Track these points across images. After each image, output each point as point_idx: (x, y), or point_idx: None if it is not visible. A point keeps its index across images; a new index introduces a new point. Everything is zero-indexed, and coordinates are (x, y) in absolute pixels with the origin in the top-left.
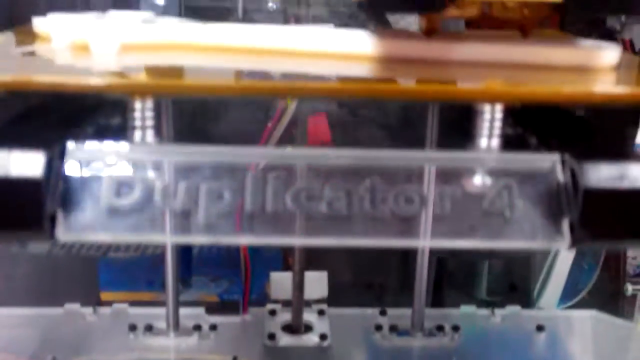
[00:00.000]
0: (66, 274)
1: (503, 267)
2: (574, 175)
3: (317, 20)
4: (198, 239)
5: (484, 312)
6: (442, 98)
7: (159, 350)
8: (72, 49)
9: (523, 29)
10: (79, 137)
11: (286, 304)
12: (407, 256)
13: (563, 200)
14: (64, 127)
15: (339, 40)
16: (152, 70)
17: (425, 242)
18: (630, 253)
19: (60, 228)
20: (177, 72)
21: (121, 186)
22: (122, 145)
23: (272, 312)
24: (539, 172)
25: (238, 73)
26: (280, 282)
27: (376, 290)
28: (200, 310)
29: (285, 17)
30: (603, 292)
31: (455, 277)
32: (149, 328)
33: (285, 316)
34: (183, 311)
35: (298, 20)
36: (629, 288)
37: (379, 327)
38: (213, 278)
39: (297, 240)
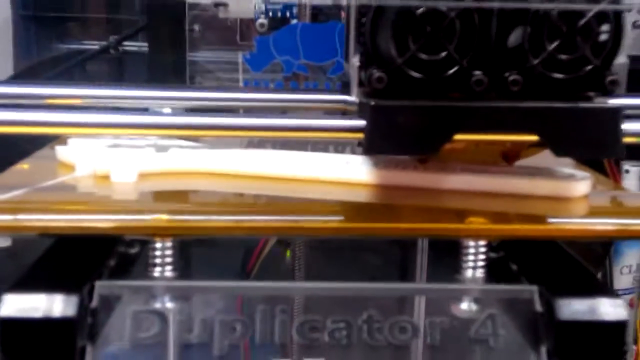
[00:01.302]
0: None
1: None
2: (549, 306)
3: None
4: None
5: None
6: (431, 235)
7: None
8: (95, 179)
9: (507, 158)
10: (105, 273)
11: None
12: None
13: (541, 329)
14: (91, 264)
15: (340, 169)
16: (166, 208)
17: None
18: None
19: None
20: (190, 203)
21: (142, 321)
22: (143, 283)
23: None
24: (519, 303)
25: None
26: None
27: None
28: None
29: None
30: None
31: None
32: None
33: None
34: None
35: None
36: None
37: None
38: None
39: None
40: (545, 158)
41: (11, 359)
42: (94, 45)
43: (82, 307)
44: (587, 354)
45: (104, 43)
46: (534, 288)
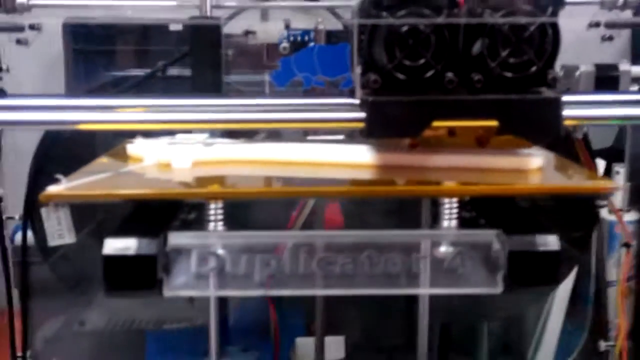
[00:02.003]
0: (118, 346)
1: (500, 332)
2: (504, 243)
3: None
4: (253, 293)
5: None
6: (418, 194)
7: None
8: (159, 166)
9: (480, 142)
10: (174, 227)
11: None
12: (412, 322)
13: (498, 260)
14: (164, 221)
15: (347, 153)
16: (216, 181)
17: (404, 290)
18: (611, 317)
19: (165, 288)
20: (232, 180)
21: (201, 260)
22: (203, 233)
23: None
24: (482, 244)
25: (273, 180)
26: (304, 346)
27: (385, 351)
28: None
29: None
30: (590, 351)
31: (458, 343)
32: None
33: None
34: None
35: (315, 132)
36: (602, 345)
37: None
38: (244, 348)
39: (319, 292)
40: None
41: (111, 285)
42: (137, 72)
43: (160, 249)
44: (531, 276)
45: (146, 70)
46: (494, 231)
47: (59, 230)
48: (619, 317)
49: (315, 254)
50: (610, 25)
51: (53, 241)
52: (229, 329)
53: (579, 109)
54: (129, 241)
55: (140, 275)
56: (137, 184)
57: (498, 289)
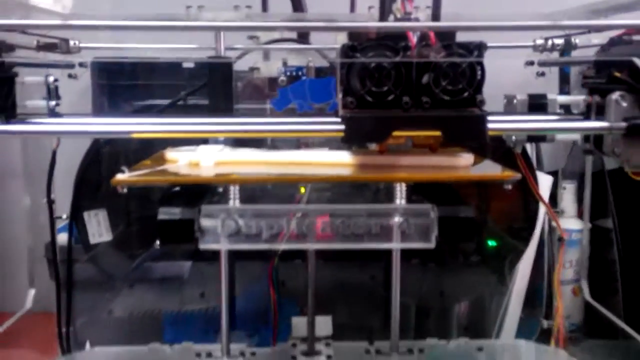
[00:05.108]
0: (138, 330)
1: (467, 314)
2: (435, 213)
3: (316, 145)
4: (260, 246)
5: (443, 342)
6: (381, 180)
7: None
8: (190, 165)
9: (431, 148)
10: (205, 202)
11: (303, 339)
12: (388, 305)
13: (432, 225)
14: (197, 200)
15: (332, 156)
16: (233, 173)
17: (371, 245)
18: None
19: (200, 243)
20: (244, 172)
21: (227, 226)
22: (224, 207)
23: (294, 345)
24: (422, 212)
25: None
26: (299, 324)
27: (367, 329)
28: (244, 345)
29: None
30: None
31: (432, 324)
32: (209, 355)
33: (302, 347)
34: (232, 346)
35: (307, 145)
36: (544, 323)
37: (367, 351)
38: (249, 334)
39: (311, 246)
40: None
41: (164, 241)
42: (153, 103)
43: (196, 216)
44: (453, 235)
45: (162, 101)
46: (430, 205)
47: (99, 230)
48: (556, 300)
49: (308, 220)
50: (542, 63)
51: (93, 239)
52: (235, 316)
53: (499, 123)
54: (175, 210)
55: (183, 234)
56: (178, 175)
57: (432, 245)
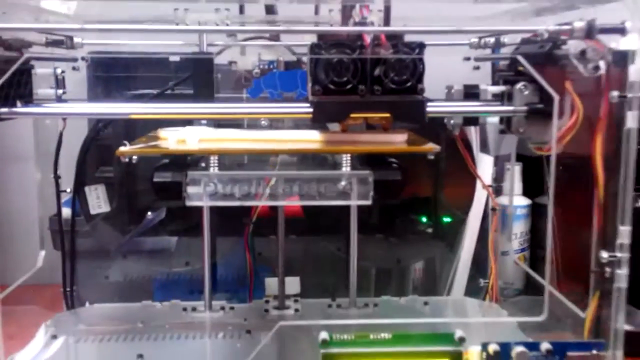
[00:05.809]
0: (132, 291)
1: (421, 277)
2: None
3: (289, 127)
4: (236, 203)
5: (395, 298)
6: (339, 151)
7: (200, 319)
8: (178, 142)
9: (383, 127)
10: (190, 169)
11: (275, 297)
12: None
13: (370, 186)
14: (184, 167)
15: (302, 134)
16: (213, 145)
17: (326, 202)
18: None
19: (186, 201)
20: (223, 146)
21: (208, 185)
22: (208, 172)
23: (267, 301)
24: (363, 178)
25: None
26: (272, 284)
27: (330, 288)
28: (224, 302)
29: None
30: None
31: (391, 287)
32: (194, 309)
33: (274, 303)
34: (214, 302)
35: (278, 128)
36: (481, 281)
37: (330, 306)
38: (228, 297)
39: (278, 203)
40: None
41: (159, 197)
42: (143, 92)
43: (184, 179)
44: (385, 193)
45: (151, 91)
46: (369, 171)
47: (98, 203)
48: (491, 262)
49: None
50: (477, 59)
51: (94, 210)
52: (216, 280)
53: (435, 107)
54: (167, 174)
55: (173, 193)
56: (169, 148)
57: (369, 201)
